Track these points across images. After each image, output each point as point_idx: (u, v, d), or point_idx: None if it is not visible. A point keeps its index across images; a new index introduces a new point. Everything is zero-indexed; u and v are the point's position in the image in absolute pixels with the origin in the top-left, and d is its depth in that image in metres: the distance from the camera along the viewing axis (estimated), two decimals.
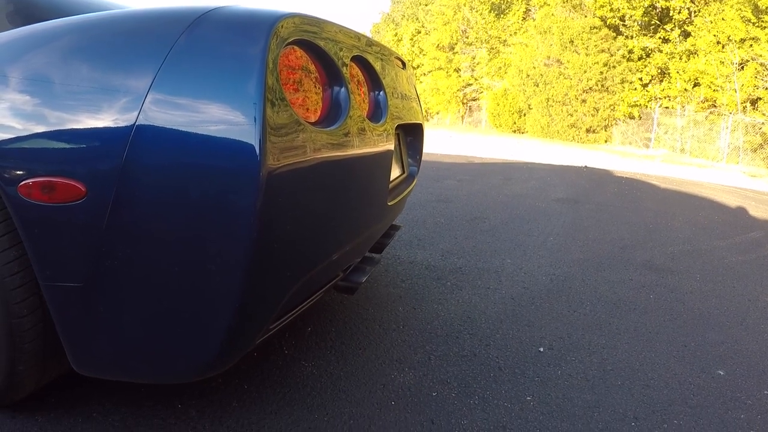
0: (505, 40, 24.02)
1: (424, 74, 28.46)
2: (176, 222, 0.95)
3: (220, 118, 0.92)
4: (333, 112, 1.19)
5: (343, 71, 1.23)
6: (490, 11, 24.34)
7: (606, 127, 18.67)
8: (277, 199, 0.96)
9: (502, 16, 24.30)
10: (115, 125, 0.96)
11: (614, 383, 1.66)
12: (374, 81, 1.53)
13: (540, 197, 5.25)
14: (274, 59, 0.96)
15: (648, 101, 18.18)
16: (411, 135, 2.16)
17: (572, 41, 18.41)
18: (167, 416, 1.29)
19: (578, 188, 6.21)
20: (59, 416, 1.25)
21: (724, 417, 1.52)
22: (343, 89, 1.21)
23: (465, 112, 26.44)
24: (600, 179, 7.45)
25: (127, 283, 1.00)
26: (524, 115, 20.79)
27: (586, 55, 18.09)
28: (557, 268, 2.84)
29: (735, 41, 14.86)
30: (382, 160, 1.48)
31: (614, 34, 18.41)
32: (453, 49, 26.25)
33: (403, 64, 1.97)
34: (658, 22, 18.06)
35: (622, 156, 14.17)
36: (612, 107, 18.31)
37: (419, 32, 31.60)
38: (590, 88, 18.18)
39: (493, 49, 24.44)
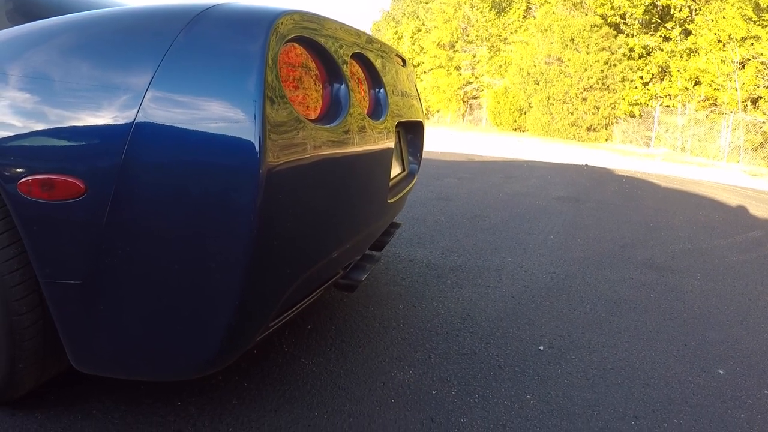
0: (505, 38, 24.00)
1: (425, 72, 28.44)
2: (176, 219, 0.95)
3: (219, 115, 0.92)
4: (333, 110, 1.18)
5: (344, 68, 1.22)
6: (490, 9, 24.33)
7: (607, 125, 18.67)
8: (276, 197, 0.96)
9: (502, 14, 24.29)
10: (115, 123, 0.96)
11: (614, 382, 1.66)
12: (374, 78, 1.52)
13: (540, 195, 5.25)
14: (274, 56, 0.96)
15: (649, 100, 18.18)
16: (411, 133, 2.16)
17: (573, 39, 18.40)
18: (167, 414, 1.29)
19: (579, 187, 6.20)
20: (59, 414, 1.25)
21: (724, 416, 1.52)
22: (343, 86, 1.21)
23: (465, 111, 26.42)
24: (600, 178, 7.44)
25: (127, 281, 1.00)
26: (525, 113, 20.78)
27: (587, 53, 18.07)
28: (557, 267, 2.84)
29: (736, 40, 14.84)
30: (382, 158, 1.48)
31: (615, 32, 18.40)
32: (453, 47, 26.22)
33: (404, 61, 1.96)
34: (658, 21, 18.05)
35: (622, 154, 14.16)
36: (613, 106, 18.30)
37: (420, 30, 31.57)
38: (591, 87, 18.17)
39: (493, 47, 24.43)
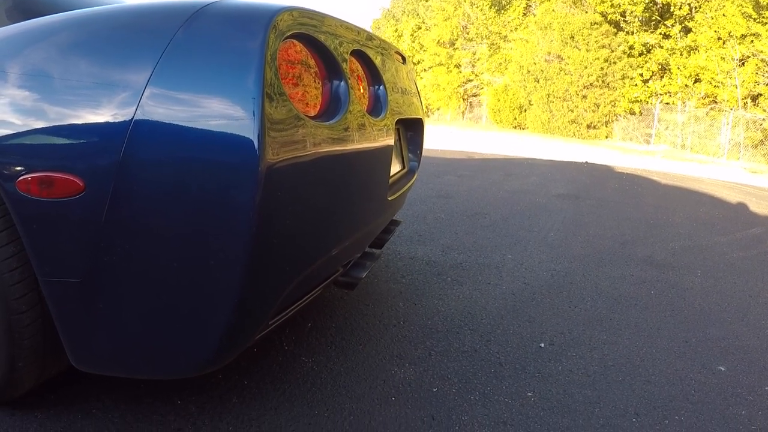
0: (505, 36, 23.96)
1: (425, 70, 28.39)
2: (175, 217, 0.95)
3: (218, 112, 0.92)
4: (332, 107, 1.18)
5: (343, 66, 1.22)
6: (490, 7, 24.28)
7: (607, 123, 18.64)
8: (276, 194, 0.95)
9: (502, 11, 24.25)
10: (113, 120, 0.95)
11: (615, 379, 1.65)
12: (374, 75, 1.52)
13: (541, 193, 5.24)
14: (273, 53, 0.96)
15: (649, 97, 18.15)
16: (411, 130, 2.15)
17: (573, 37, 18.36)
18: (167, 412, 1.29)
19: (579, 184, 6.20)
20: (58, 413, 1.25)
21: (725, 413, 1.52)
22: (342, 83, 1.21)
23: (465, 108, 26.38)
24: (601, 175, 7.43)
25: (126, 279, 1.00)
26: (525, 111, 20.75)
27: (587, 50, 18.04)
28: (558, 264, 2.83)
29: (736, 37, 14.82)
30: (382, 155, 1.47)
31: (615, 29, 18.36)
32: (453, 44, 26.17)
33: (403, 58, 1.96)
34: (658, 18, 18.02)
35: (622, 152, 14.15)
36: (613, 103, 18.27)
37: (420, 28, 31.51)
38: (591, 84, 18.14)
39: (493, 44, 24.38)
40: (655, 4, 17.69)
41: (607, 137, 18.57)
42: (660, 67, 17.96)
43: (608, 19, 18.33)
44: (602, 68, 17.90)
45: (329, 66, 1.19)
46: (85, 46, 1.04)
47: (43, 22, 1.12)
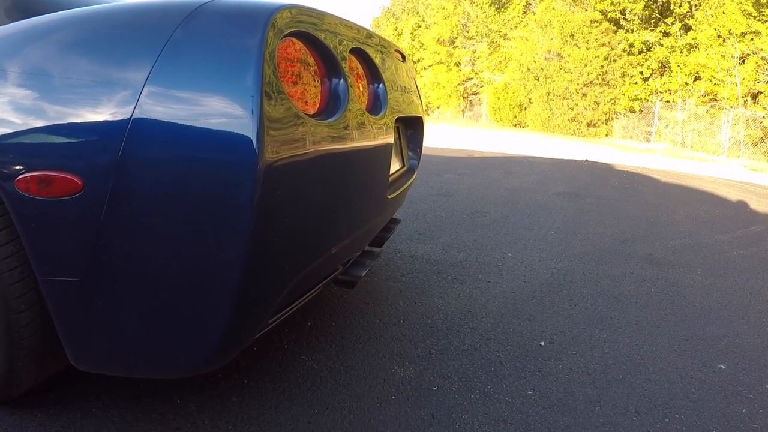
0: (505, 34, 23.94)
1: (425, 68, 28.39)
2: (174, 216, 0.95)
3: (217, 111, 0.91)
4: (332, 105, 1.18)
5: (342, 64, 1.22)
6: (490, 5, 24.26)
7: (607, 121, 18.63)
8: (275, 192, 0.95)
9: (502, 9, 24.22)
10: (112, 118, 0.95)
11: (615, 377, 1.65)
12: (374, 74, 1.52)
13: (541, 191, 5.24)
14: (272, 51, 0.95)
15: (649, 95, 18.14)
16: (411, 128, 2.15)
17: (573, 35, 18.35)
18: (166, 411, 1.29)
19: (579, 182, 6.19)
20: (58, 412, 1.25)
21: (726, 411, 1.52)
22: (342, 82, 1.20)
23: (465, 106, 26.39)
24: (601, 173, 7.43)
25: (125, 278, 1.00)
26: (525, 109, 20.75)
27: (587, 48, 18.03)
28: (558, 262, 2.83)
29: (736, 35, 14.80)
30: (381, 153, 1.47)
31: (615, 27, 18.34)
32: (453, 43, 26.17)
33: (403, 56, 1.95)
34: (658, 16, 17.99)
35: (623, 150, 14.14)
36: (613, 101, 18.27)
37: (419, 26, 31.49)
38: (591, 82, 18.13)
39: (493, 43, 24.37)
40: (655, 1, 17.68)
41: (607, 135, 18.56)
42: (660, 65, 17.95)
43: (608, 17, 18.30)
44: (602, 66, 17.89)
45: (328, 64, 1.19)
46: (83, 45, 1.04)
47: (41, 21, 1.12)
